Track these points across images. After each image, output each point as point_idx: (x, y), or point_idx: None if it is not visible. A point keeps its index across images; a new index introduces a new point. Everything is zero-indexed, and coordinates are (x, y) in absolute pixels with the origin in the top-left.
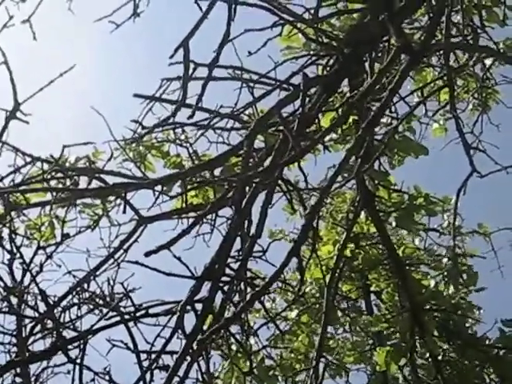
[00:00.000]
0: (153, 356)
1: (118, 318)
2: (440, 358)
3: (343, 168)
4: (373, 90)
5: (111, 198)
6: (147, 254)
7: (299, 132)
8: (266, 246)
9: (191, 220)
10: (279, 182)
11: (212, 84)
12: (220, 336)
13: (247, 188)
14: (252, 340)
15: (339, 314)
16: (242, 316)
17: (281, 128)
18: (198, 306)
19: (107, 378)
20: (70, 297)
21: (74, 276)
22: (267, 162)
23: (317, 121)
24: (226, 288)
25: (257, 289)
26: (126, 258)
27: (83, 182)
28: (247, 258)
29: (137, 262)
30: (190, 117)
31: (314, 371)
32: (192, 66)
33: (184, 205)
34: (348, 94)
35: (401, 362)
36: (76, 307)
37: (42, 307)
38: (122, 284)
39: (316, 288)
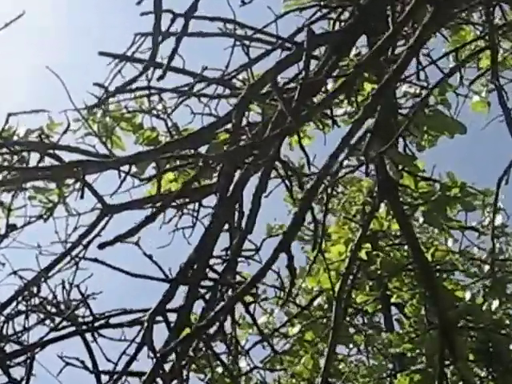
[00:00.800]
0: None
1: (72, 329)
2: None
3: (349, 145)
4: (389, 46)
5: (69, 180)
6: (101, 246)
7: (301, 102)
8: (269, 246)
9: (170, 210)
10: (276, 163)
11: (199, 42)
12: (201, 355)
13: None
14: (243, 362)
15: (352, 330)
16: (221, 326)
17: (281, 97)
18: (172, 317)
19: None
20: (16, 303)
21: (21, 277)
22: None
23: (324, 89)
24: (207, 295)
25: (237, 290)
26: (87, 255)
27: (34, 159)
28: (235, 258)
29: (96, 260)
30: (161, 77)
31: None
32: (170, 16)
33: (158, 190)
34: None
35: None
36: (23, 316)
37: None
38: (77, 288)
39: (323, 298)
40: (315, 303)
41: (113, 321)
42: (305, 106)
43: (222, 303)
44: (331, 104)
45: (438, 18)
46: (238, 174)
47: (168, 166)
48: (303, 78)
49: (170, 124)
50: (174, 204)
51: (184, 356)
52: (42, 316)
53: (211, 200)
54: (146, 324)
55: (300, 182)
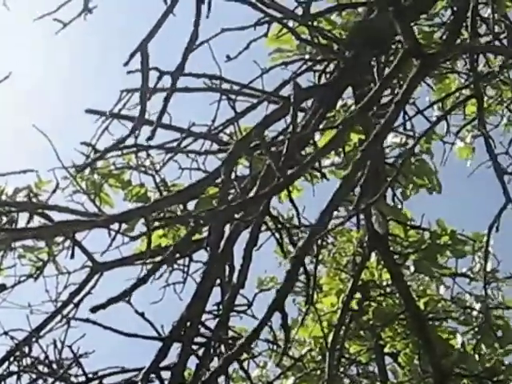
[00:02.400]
0: None
1: None
2: None
3: (340, 200)
4: (375, 101)
5: (58, 239)
6: (93, 310)
7: (290, 156)
8: (261, 299)
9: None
10: (266, 217)
11: (185, 98)
12: None
13: (227, 226)
14: None
15: (347, 381)
16: (215, 382)
17: (269, 150)
18: (166, 375)
19: None
20: (7, 364)
21: (12, 338)
22: (252, 192)
23: (312, 142)
24: (200, 351)
25: (232, 350)
26: (78, 314)
27: (23, 219)
28: (228, 314)
29: (87, 320)
30: (149, 138)
31: None
32: (157, 73)
33: (148, 246)
34: (353, 108)
35: None
36: (15, 377)
37: None
38: (70, 348)
39: (317, 350)
40: (308, 355)
41: (106, 381)
42: (294, 162)
43: (217, 365)
44: (320, 160)
45: (424, 71)
46: (227, 229)
47: (157, 223)
48: (291, 132)
49: (158, 180)
50: (164, 259)
51: None
52: (34, 376)
53: (202, 254)
54: (140, 383)
55: (290, 237)
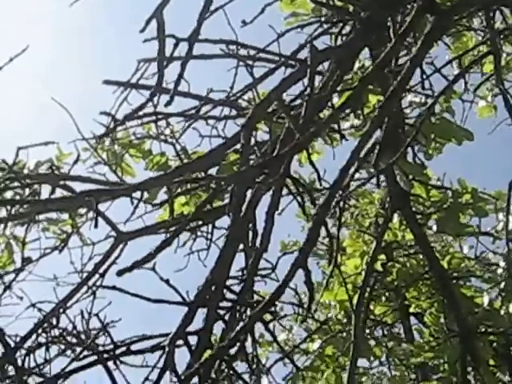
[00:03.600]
0: None
1: (94, 358)
2: None
3: (358, 159)
4: (391, 59)
5: (81, 210)
6: (119, 273)
7: (308, 118)
8: (283, 262)
9: (184, 234)
10: (287, 181)
11: (203, 64)
12: (223, 376)
13: (248, 190)
14: (265, 380)
15: (372, 343)
16: (242, 346)
17: (288, 114)
18: (193, 340)
19: None
20: (36, 336)
21: (40, 310)
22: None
23: (330, 104)
24: (226, 316)
25: (256, 309)
26: (104, 283)
27: (46, 191)
28: (252, 278)
29: (114, 288)
30: (168, 103)
31: None
32: (173, 41)
33: (171, 213)
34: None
35: None
36: (44, 348)
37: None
38: (97, 316)
39: (342, 312)
40: (334, 317)
41: (134, 347)
42: (312, 123)
43: (242, 323)
44: (338, 119)
45: (439, 27)
46: (249, 193)
47: (179, 190)
48: (309, 94)
49: (178, 148)
50: (187, 227)
51: (207, 378)
52: (62, 347)
53: (224, 221)
54: (167, 348)
55: (312, 198)
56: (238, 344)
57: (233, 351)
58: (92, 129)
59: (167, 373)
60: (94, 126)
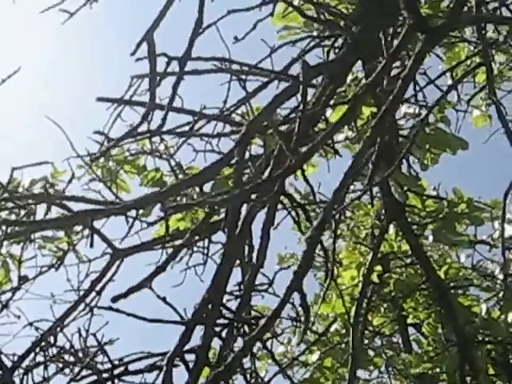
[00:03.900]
0: None
1: (92, 377)
2: None
3: (352, 177)
4: (384, 76)
5: (77, 228)
6: (114, 300)
7: (302, 134)
8: (280, 275)
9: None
10: (282, 197)
11: (196, 80)
12: None
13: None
14: None
15: (371, 353)
16: (240, 362)
17: (280, 130)
18: (190, 358)
19: None
20: (34, 354)
21: (37, 328)
22: (266, 173)
23: (324, 117)
24: (223, 333)
25: (252, 333)
26: (101, 301)
27: (41, 209)
28: (249, 294)
29: (110, 308)
30: (161, 125)
31: None
32: (165, 60)
33: (167, 231)
34: (364, 81)
35: None
36: (42, 367)
37: None
38: (94, 335)
39: (340, 323)
40: (332, 329)
41: (132, 367)
42: (306, 139)
43: (240, 347)
44: (332, 137)
45: (430, 44)
46: (244, 209)
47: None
48: (301, 110)
49: (173, 163)
50: (182, 242)
51: None
52: (60, 366)
53: (221, 236)
54: (164, 368)
55: (306, 215)
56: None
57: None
58: (87, 145)
59: None
60: (89, 143)
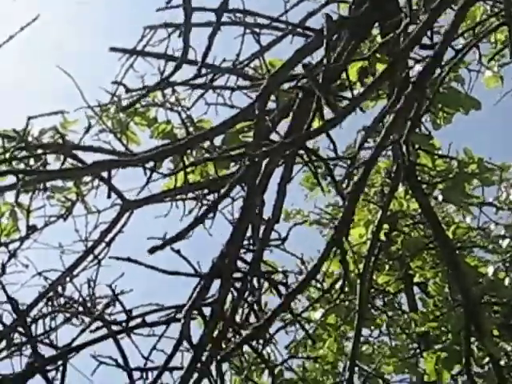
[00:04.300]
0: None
1: (104, 329)
2: (503, 363)
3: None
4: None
5: (87, 178)
6: (151, 251)
7: (325, 89)
8: (285, 231)
9: (190, 203)
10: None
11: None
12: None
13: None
14: (267, 348)
15: (374, 312)
16: (248, 315)
17: (300, 84)
18: (206, 311)
19: None
20: (42, 304)
21: (46, 278)
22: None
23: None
24: (237, 286)
25: (291, 289)
26: (109, 253)
27: (51, 158)
28: (263, 248)
29: (128, 259)
30: (175, 71)
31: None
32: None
33: (179, 184)
34: (379, 39)
35: (454, 369)
36: (49, 317)
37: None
38: (109, 286)
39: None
40: (337, 286)
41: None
42: (329, 93)
43: (275, 307)
44: (374, 91)
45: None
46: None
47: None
48: (325, 64)
49: (184, 116)
50: (193, 195)
51: (220, 347)
52: (68, 316)
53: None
54: (183, 320)
55: (328, 168)
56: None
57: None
58: (98, 97)
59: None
60: (100, 93)
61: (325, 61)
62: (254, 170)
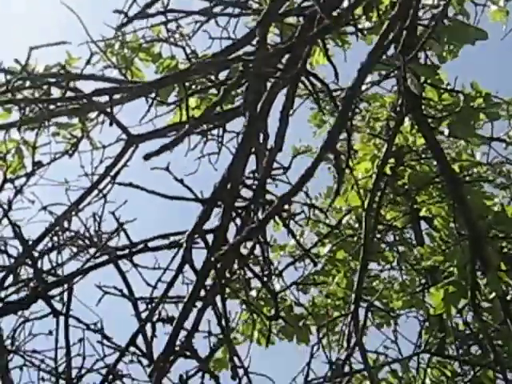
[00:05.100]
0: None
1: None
2: (509, 297)
3: (377, 59)
4: None
5: (91, 115)
6: (147, 157)
7: (325, 13)
8: (294, 169)
9: (196, 138)
10: (302, 78)
11: None
12: (237, 277)
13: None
14: (276, 284)
15: (383, 247)
16: (254, 247)
17: (302, 13)
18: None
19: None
20: (48, 238)
21: (51, 213)
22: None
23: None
24: (242, 214)
25: (289, 190)
26: (113, 189)
27: (56, 95)
28: (266, 177)
29: (130, 184)
30: None
31: (353, 317)
32: None
33: (187, 111)
34: None
35: (460, 303)
36: (55, 252)
37: (14, 252)
38: (113, 214)
39: (353, 217)
40: (344, 222)
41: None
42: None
43: (263, 215)
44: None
45: None
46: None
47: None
48: None
49: (188, 51)
50: (198, 130)
51: (223, 273)
52: (75, 250)
53: (235, 125)
54: (184, 244)
55: (330, 92)
56: (251, 245)
57: (245, 252)
58: (101, 32)
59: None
60: (103, 28)
61: None
62: (255, 94)
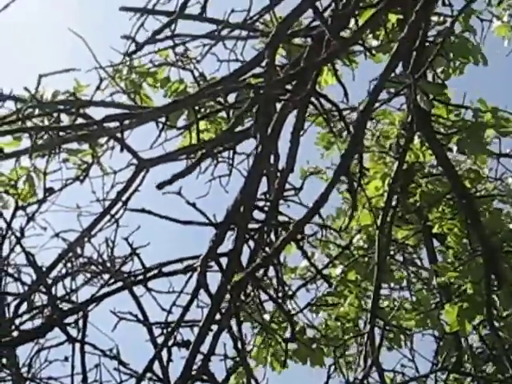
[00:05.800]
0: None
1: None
2: None
3: (388, 76)
4: None
5: (101, 140)
6: (160, 186)
7: (334, 33)
8: (303, 190)
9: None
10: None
11: None
12: (251, 300)
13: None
14: (288, 305)
15: (394, 268)
16: (267, 270)
17: (310, 34)
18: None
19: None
20: (62, 265)
21: (64, 239)
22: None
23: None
24: (255, 236)
25: (302, 218)
26: (125, 214)
27: (66, 122)
28: (278, 198)
29: (143, 210)
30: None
31: (369, 337)
32: None
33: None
34: None
35: (476, 319)
36: (69, 278)
37: (28, 280)
38: (126, 240)
39: (363, 237)
40: (355, 243)
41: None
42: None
43: (277, 242)
44: (376, 25)
45: None
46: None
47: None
48: (333, 9)
49: (197, 74)
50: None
51: (238, 298)
52: (88, 276)
53: (245, 147)
54: (199, 269)
55: (340, 112)
56: (263, 269)
57: (259, 276)
58: (108, 57)
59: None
60: (111, 54)
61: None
62: (265, 117)
